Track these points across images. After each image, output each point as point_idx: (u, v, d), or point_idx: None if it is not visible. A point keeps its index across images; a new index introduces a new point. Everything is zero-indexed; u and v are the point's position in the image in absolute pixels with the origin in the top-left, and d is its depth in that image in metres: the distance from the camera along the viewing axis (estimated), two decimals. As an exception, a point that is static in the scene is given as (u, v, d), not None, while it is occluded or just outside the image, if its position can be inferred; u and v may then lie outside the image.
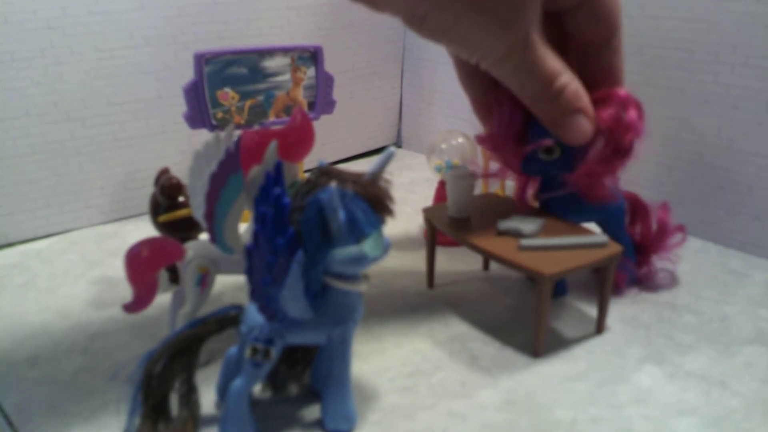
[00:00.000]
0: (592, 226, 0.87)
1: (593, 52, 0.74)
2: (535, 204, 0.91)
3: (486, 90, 0.81)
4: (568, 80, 0.71)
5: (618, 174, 0.82)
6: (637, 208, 0.91)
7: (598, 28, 0.72)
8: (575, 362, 0.76)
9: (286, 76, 1.10)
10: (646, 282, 0.92)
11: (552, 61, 0.68)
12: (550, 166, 0.82)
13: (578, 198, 0.85)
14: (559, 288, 0.90)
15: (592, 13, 0.71)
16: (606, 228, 0.89)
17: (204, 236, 0.76)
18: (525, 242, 0.78)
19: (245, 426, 0.62)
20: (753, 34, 0.95)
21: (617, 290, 0.89)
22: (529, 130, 0.82)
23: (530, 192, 0.92)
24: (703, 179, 1.05)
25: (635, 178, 0.95)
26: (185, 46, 1.18)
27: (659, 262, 0.93)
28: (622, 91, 0.78)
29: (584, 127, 0.75)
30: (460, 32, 0.63)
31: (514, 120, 0.81)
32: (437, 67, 1.48)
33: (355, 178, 0.59)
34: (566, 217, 0.86)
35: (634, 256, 0.91)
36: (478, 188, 1.24)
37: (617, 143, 0.78)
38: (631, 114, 0.78)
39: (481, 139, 0.88)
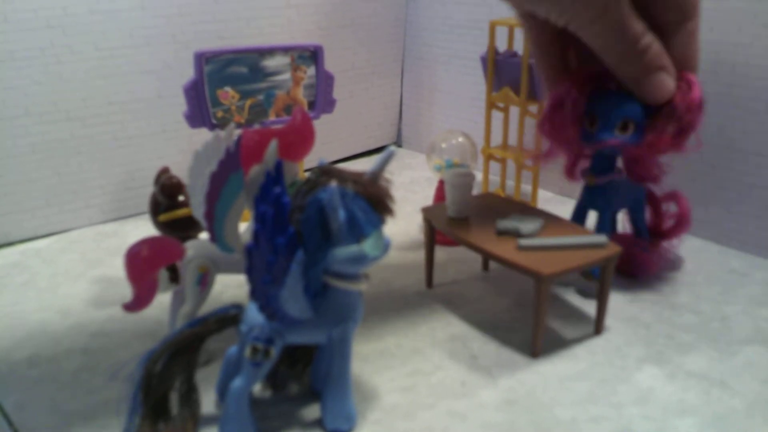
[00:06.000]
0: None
1: (666, 35, 0.73)
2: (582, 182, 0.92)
3: (558, 57, 0.81)
4: (651, 40, 0.71)
5: (682, 151, 0.81)
6: (650, 198, 0.94)
7: (668, 10, 0.71)
8: (576, 361, 0.76)
9: (287, 75, 1.10)
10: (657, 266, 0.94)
11: (638, 22, 0.69)
12: (618, 140, 0.81)
13: (624, 183, 0.87)
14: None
15: None
16: (632, 215, 0.93)
17: (204, 235, 0.76)
18: (524, 242, 0.78)
19: (245, 425, 0.62)
20: (753, 33, 0.95)
21: (648, 273, 0.92)
22: (597, 107, 0.81)
23: (578, 170, 0.91)
24: (703, 178, 1.05)
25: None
26: (185, 45, 1.18)
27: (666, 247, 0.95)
28: (690, 74, 0.77)
29: (668, 84, 0.75)
30: None
31: (579, 100, 0.81)
32: (437, 67, 1.48)
33: (356, 178, 0.59)
34: (610, 202, 0.88)
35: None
36: (478, 188, 1.24)
37: (684, 120, 0.78)
38: (695, 93, 0.77)
39: (542, 123, 0.86)
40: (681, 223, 0.93)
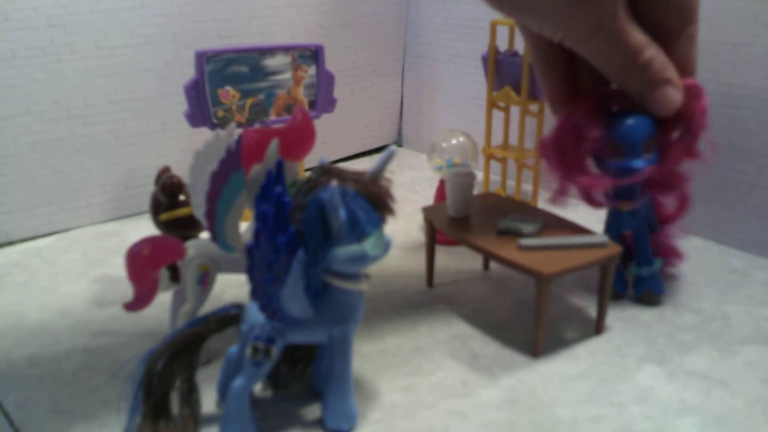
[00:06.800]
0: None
1: (668, 42, 0.71)
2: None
3: (564, 76, 0.78)
4: (655, 53, 0.70)
5: (697, 158, 0.80)
6: None
7: (670, 16, 0.70)
8: (576, 361, 0.76)
9: (287, 75, 1.10)
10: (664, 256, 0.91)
11: (638, 35, 0.67)
12: (649, 164, 0.78)
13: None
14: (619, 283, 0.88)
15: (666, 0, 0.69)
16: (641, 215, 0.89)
17: (205, 235, 0.76)
18: (524, 242, 0.78)
19: (246, 425, 0.62)
20: (754, 32, 0.95)
21: (675, 263, 0.90)
22: (618, 134, 0.77)
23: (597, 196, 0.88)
24: (704, 178, 1.05)
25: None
26: (186, 45, 1.18)
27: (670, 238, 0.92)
28: (691, 80, 0.76)
29: (674, 96, 0.73)
30: (544, 7, 0.62)
31: (595, 127, 0.78)
32: (438, 66, 1.48)
33: (356, 177, 0.59)
34: (641, 219, 0.85)
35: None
36: (479, 188, 1.24)
37: (692, 128, 0.77)
38: (703, 102, 0.77)
39: (544, 146, 0.82)
40: (681, 205, 0.89)
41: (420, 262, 0.99)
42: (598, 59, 0.70)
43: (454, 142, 1.12)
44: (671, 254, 0.90)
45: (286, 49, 1.09)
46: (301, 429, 0.66)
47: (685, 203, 0.90)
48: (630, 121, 0.77)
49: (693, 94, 0.75)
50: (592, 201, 0.87)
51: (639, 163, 0.77)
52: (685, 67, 0.74)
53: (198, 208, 0.74)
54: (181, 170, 0.89)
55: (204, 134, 0.91)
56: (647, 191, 0.83)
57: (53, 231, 1.14)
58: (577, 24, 0.65)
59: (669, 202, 0.92)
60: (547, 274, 0.73)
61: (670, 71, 0.72)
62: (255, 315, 0.62)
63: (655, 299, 0.87)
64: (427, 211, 0.91)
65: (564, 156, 0.81)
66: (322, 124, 1.05)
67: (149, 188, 0.94)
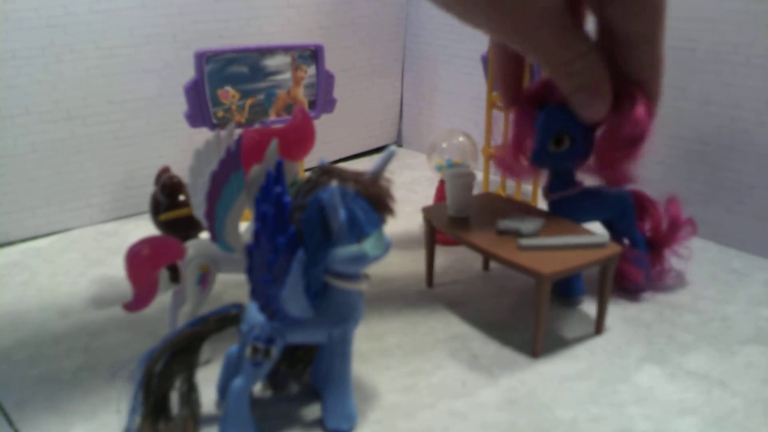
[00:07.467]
0: (596, 227, 0.88)
1: (628, 46, 0.72)
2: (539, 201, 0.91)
3: (518, 74, 0.85)
4: (581, 66, 0.70)
5: (637, 158, 0.81)
6: (644, 204, 0.91)
7: (634, 22, 0.70)
8: (576, 361, 0.76)
9: (287, 75, 1.10)
10: (659, 281, 0.91)
11: (569, 44, 0.68)
12: (559, 158, 0.82)
13: (589, 196, 0.85)
14: (577, 288, 0.89)
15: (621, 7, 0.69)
16: (618, 226, 0.89)
17: (204, 235, 0.76)
18: (524, 242, 0.78)
19: (246, 425, 0.62)
20: (754, 33, 0.95)
21: (635, 286, 0.88)
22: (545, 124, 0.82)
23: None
24: (704, 178, 1.05)
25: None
26: (186, 45, 1.18)
27: (672, 260, 0.92)
28: (632, 89, 0.76)
29: (590, 105, 0.74)
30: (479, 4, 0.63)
31: (528, 119, 0.84)
32: (438, 66, 1.48)
33: (356, 177, 0.59)
34: (578, 216, 0.86)
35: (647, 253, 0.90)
36: (478, 188, 1.24)
37: (620, 134, 0.78)
38: (639, 110, 0.76)
39: (497, 154, 0.90)
40: (672, 229, 0.90)
41: (420, 262, 0.99)
42: (532, 55, 0.70)
43: (453, 142, 1.12)
44: (624, 277, 0.87)
45: (285, 49, 1.09)
46: (301, 429, 0.66)
47: (676, 225, 0.90)
48: (542, 115, 0.82)
49: (630, 102, 0.75)
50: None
51: (535, 155, 0.84)
52: (640, 74, 0.74)
53: (198, 208, 0.74)
54: (181, 170, 0.89)
55: (204, 134, 0.91)
56: (580, 188, 0.86)
57: (53, 231, 1.14)
58: (500, 28, 0.66)
59: (662, 223, 0.91)
60: (546, 274, 0.73)
61: (597, 81, 0.72)
62: (255, 315, 0.62)
63: (568, 301, 0.89)
64: (427, 211, 0.91)
65: (521, 149, 0.87)
66: (322, 125, 1.05)
67: (149, 188, 0.94)
